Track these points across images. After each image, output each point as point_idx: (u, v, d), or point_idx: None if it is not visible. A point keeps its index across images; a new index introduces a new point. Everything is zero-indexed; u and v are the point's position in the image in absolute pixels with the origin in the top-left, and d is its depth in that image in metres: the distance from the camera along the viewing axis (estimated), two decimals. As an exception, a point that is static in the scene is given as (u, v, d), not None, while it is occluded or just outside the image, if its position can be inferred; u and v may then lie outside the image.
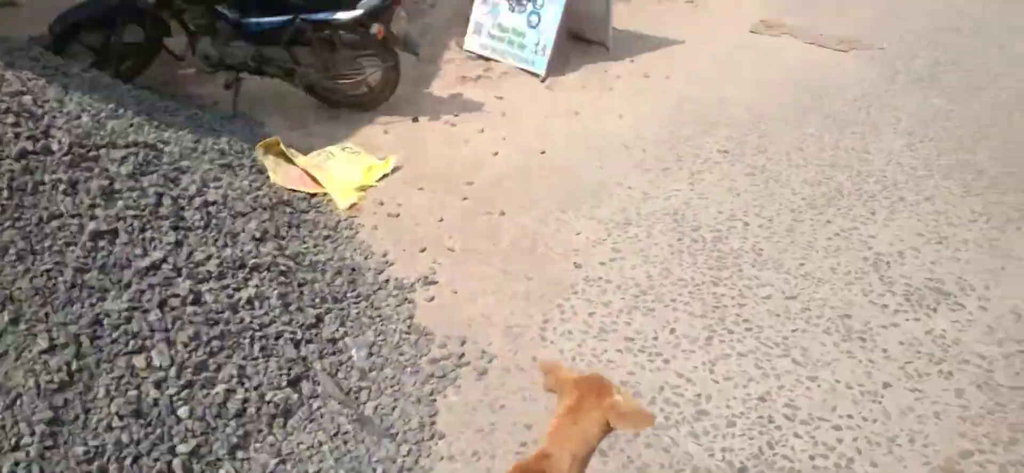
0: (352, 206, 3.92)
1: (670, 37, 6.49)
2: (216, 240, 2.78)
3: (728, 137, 4.76)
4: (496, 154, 4.53)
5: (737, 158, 4.49)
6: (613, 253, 3.61)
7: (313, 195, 3.91)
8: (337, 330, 2.77)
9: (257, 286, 2.69)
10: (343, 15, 4.39)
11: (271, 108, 4.90)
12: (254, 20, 4.51)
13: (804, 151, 4.60)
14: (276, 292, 2.72)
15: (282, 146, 4.14)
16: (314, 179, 4.00)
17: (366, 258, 3.44)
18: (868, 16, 7.19)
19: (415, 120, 4.93)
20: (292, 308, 2.74)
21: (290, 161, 4.10)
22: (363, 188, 4.10)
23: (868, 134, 4.86)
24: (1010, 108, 5.32)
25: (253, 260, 2.78)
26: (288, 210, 3.50)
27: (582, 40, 6.25)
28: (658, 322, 3.16)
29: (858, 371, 2.92)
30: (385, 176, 4.24)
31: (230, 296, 2.59)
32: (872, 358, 2.99)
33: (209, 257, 2.68)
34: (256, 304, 2.64)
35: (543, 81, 5.57)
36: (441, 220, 3.83)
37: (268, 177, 3.84)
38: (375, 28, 4.46)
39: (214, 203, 2.97)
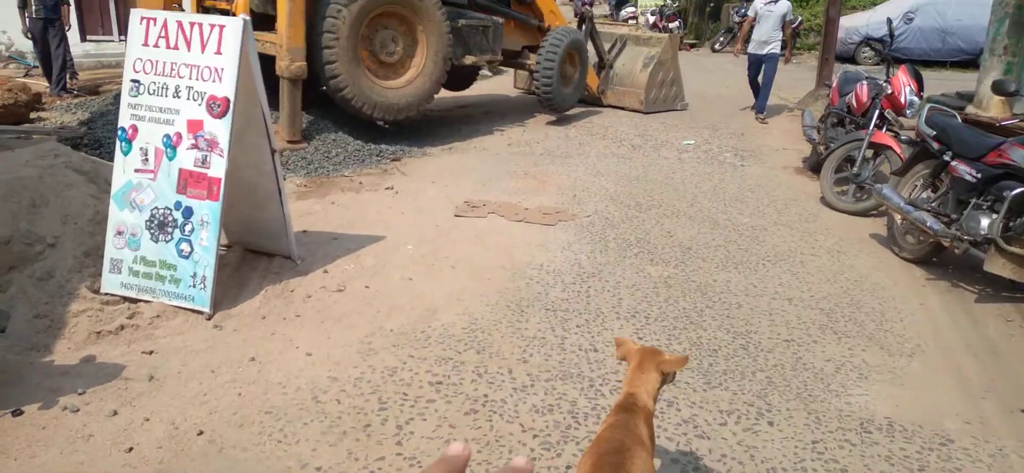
0: None
1: (370, 233, 5.69)
2: None
3: (441, 359, 3.93)
4: (130, 450, 3.22)
5: (453, 390, 3.64)
6: None
7: None
8: None
9: None
10: None
11: None
12: None
13: (528, 363, 3.90)
14: None
15: None
16: None
17: None
18: (566, 185, 7.07)
19: (17, 413, 3.47)
20: None
21: None
22: None
23: (593, 324, 4.32)
24: (725, 268, 5.19)
25: None
26: None
27: (264, 254, 5.22)
28: None
29: None
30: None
31: None
32: None
33: None
34: None
35: (209, 319, 4.39)
36: None
37: None
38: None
39: None
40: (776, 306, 4.65)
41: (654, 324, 4.32)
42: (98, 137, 7.47)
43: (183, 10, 8.55)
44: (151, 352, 4.04)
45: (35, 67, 10.78)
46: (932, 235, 5.19)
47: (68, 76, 10.42)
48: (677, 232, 5.89)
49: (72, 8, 10.94)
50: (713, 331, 4.27)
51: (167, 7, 8.14)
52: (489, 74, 13.62)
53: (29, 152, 5.40)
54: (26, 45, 10.87)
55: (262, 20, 7.85)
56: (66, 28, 10.30)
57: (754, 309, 4.58)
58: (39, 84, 10.11)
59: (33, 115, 8.68)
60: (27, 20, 9.88)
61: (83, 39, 12.89)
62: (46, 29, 9.87)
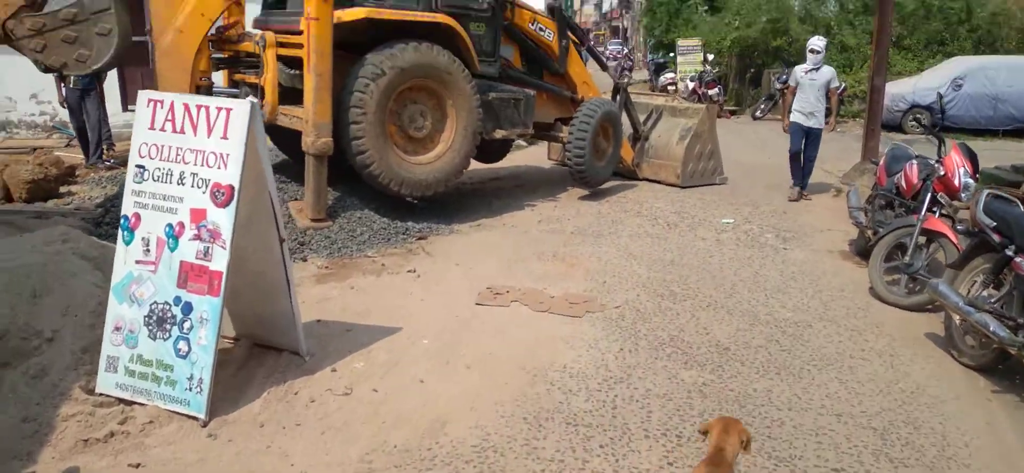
0: None
1: (386, 324, 5.39)
2: None
3: (447, 485, 3.57)
4: None
5: (457, 526, 3.28)
6: None
7: None
8: None
9: None
10: None
11: None
12: None
13: (544, 494, 3.51)
14: None
15: None
16: None
17: None
18: (595, 269, 6.71)
19: (-17, 539, 3.21)
20: None
21: None
22: None
23: (617, 445, 3.92)
24: (766, 373, 4.75)
25: None
26: None
27: (272, 348, 4.95)
28: None
29: None
30: None
31: None
32: None
33: None
34: None
35: (205, 426, 4.11)
36: None
37: None
38: None
39: None
40: (823, 423, 4.19)
41: (687, 446, 3.90)
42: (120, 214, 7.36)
43: (213, 85, 8.51)
44: (138, 465, 3.76)
45: (75, 138, 10.92)
46: (996, 341, 4.70)
47: (105, 146, 10.50)
48: (714, 328, 5.48)
49: (114, 78, 11.09)
50: (753, 455, 3.83)
51: (195, 83, 8.09)
52: (524, 144, 13.43)
53: (37, 236, 5.27)
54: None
55: (290, 94, 7.75)
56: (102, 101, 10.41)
57: (798, 428, 4.13)
58: (74, 157, 10.19)
59: (63, 189, 8.69)
60: (63, 90, 10.01)
61: (125, 109, 13.10)
62: (83, 99, 9.97)
